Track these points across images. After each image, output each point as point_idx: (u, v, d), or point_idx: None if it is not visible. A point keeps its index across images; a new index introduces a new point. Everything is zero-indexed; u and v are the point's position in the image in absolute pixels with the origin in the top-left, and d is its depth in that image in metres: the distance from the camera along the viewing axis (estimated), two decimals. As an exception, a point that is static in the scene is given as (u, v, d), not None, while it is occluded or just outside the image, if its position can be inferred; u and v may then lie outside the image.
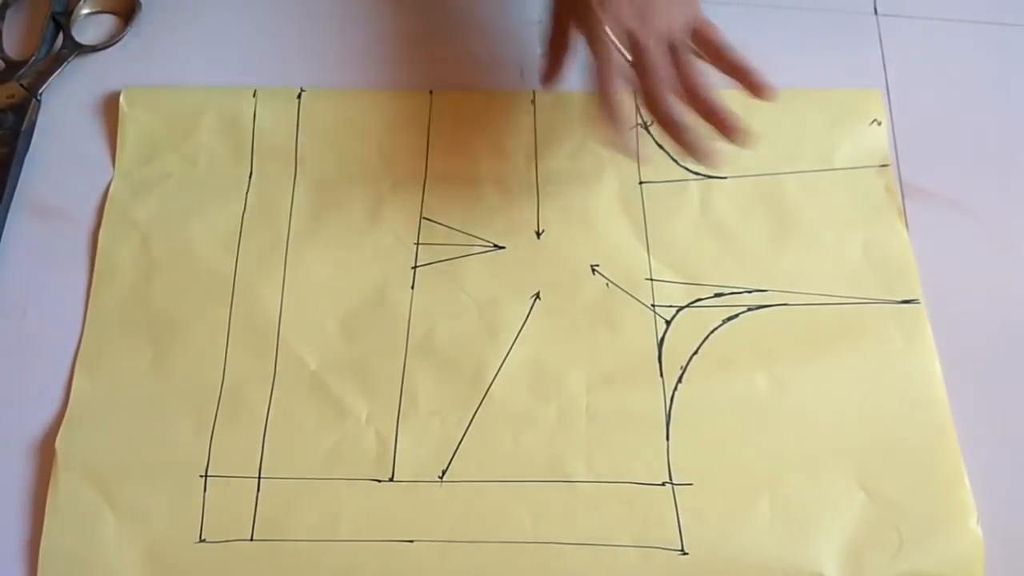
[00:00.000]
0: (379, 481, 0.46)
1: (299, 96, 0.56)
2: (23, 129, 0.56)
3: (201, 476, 0.47)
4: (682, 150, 0.48)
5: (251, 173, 0.55)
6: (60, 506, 0.46)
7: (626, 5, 0.48)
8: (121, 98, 0.56)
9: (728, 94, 0.56)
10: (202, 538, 0.45)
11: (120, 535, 0.45)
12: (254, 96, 0.56)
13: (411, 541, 0.45)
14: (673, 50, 0.49)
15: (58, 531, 0.45)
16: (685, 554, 0.44)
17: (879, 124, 0.56)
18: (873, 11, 0.61)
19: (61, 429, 0.47)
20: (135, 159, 0.55)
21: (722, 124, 0.48)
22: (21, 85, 0.57)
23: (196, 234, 0.53)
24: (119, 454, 0.47)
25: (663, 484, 0.46)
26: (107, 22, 0.61)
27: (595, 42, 0.48)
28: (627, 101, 0.48)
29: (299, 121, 0.56)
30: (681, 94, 0.48)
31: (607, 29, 0.48)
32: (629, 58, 0.48)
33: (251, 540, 0.45)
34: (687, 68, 0.49)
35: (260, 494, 0.46)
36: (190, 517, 0.46)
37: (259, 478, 0.46)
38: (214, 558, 0.45)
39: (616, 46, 0.48)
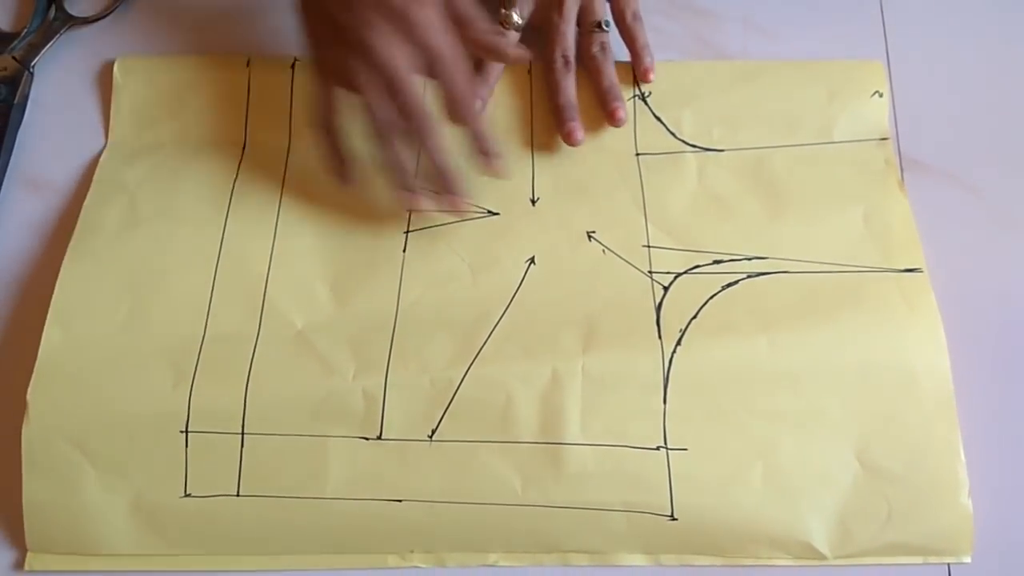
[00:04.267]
0: (367, 439, 0.45)
1: (292, 66, 0.56)
2: (16, 102, 0.56)
3: (181, 432, 0.46)
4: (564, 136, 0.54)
5: (245, 142, 0.54)
6: (36, 459, 0.45)
7: None
8: (115, 68, 0.56)
9: (736, 64, 0.56)
10: (187, 492, 0.45)
11: (102, 489, 0.45)
12: (247, 65, 0.56)
13: (399, 500, 0.44)
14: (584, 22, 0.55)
15: (38, 485, 0.45)
16: (675, 519, 0.44)
17: (880, 96, 0.55)
18: (874, -19, 0.60)
19: (32, 380, 0.46)
20: (129, 128, 0.55)
21: (611, 106, 0.54)
22: (14, 58, 0.57)
23: (185, 195, 0.52)
24: (96, 407, 0.46)
25: (657, 448, 0.45)
26: (100, -6, 0.61)
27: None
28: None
29: (293, 90, 0.55)
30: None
31: None
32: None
33: (237, 496, 0.45)
34: (593, 45, 0.55)
35: (244, 449, 0.45)
36: (173, 471, 0.45)
37: (242, 434, 0.46)
38: (201, 512, 0.45)
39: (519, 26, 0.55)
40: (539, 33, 0.57)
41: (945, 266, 0.50)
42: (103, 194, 0.52)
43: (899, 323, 0.48)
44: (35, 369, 0.47)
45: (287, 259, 0.50)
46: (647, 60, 0.56)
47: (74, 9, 0.59)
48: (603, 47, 0.56)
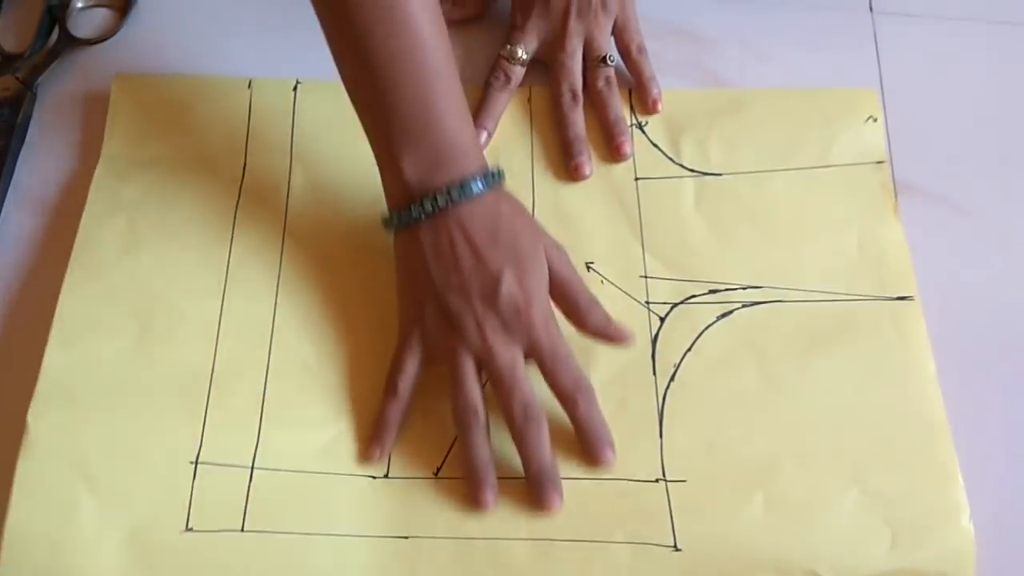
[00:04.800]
0: (374, 478, 0.46)
1: (295, 88, 0.56)
2: (18, 122, 0.56)
3: (191, 462, 0.46)
4: (572, 171, 0.55)
5: (245, 163, 0.54)
6: (30, 485, 0.44)
7: None
8: (113, 84, 0.56)
9: (732, 92, 0.56)
10: (189, 527, 0.44)
11: (99, 520, 0.44)
12: (249, 87, 0.56)
13: (405, 537, 0.45)
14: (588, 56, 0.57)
15: (26, 510, 0.43)
16: (678, 550, 0.44)
17: (875, 121, 0.56)
18: (868, 8, 0.61)
19: (32, 402, 0.46)
20: (124, 144, 0.54)
21: (617, 140, 0.55)
22: (16, 78, 0.57)
23: (186, 217, 0.52)
24: (99, 434, 0.45)
25: (656, 481, 0.46)
26: (102, 16, 0.61)
27: None
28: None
29: (295, 113, 0.55)
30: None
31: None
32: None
33: (242, 531, 0.44)
34: (599, 80, 0.56)
35: (253, 484, 0.45)
36: (177, 504, 0.44)
37: (252, 468, 0.46)
38: (201, 548, 0.44)
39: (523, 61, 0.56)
40: (545, 67, 0.57)
41: (940, 288, 0.51)
42: (100, 212, 0.52)
43: (890, 352, 0.49)
44: (36, 390, 0.46)
45: (293, 291, 0.51)
46: (655, 91, 0.57)
47: (77, 31, 0.59)
48: (608, 81, 0.57)
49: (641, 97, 0.57)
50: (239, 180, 0.54)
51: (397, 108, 0.46)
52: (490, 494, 0.44)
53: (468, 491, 0.45)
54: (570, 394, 0.45)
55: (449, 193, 0.45)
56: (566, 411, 0.46)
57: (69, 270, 0.50)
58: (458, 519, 0.45)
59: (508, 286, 0.45)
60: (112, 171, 0.53)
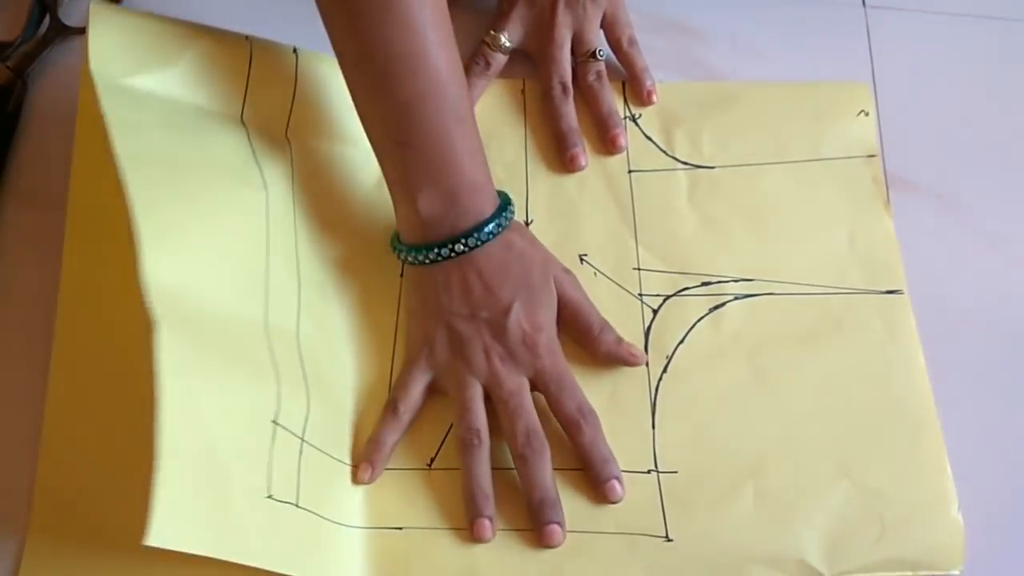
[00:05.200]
0: None
1: (295, 51, 0.53)
2: (9, 111, 0.55)
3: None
4: (566, 163, 0.55)
5: (243, 117, 0.51)
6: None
7: None
8: (89, 12, 0.46)
9: (726, 85, 0.57)
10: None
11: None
12: (247, 38, 0.52)
13: (399, 528, 0.45)
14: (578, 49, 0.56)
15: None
16: (669, 541, 0.45)
17: (866, 115, 0.56)
18: (861, 3, 0.61)
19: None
20: (111, 67, 0.46)
21: (610, 132, 0.55)
22: (7, 67, 0.57)
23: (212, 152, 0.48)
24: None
25: (648, 472, 0.46)
26: (93, 4, 0.60)
27: None
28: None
29: (297, 76, 0.52)
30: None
31: None
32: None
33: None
34: (589, 73, 0.56)
35: None
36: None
37: None
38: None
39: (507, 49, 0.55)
40: (533, 60, 0.57)
41: (930, 283, 0.52)
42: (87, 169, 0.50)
43: (879, 345, 0.50)
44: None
45: (280, 282, 0.48)
46: (648, 83, 0.57)
47: (68, 19, 0.59)
48: (599, 75, 0.57)
49: (635, 89, 0.57)
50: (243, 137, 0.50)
51: (415, 147, 0.46)
52: (488, 528, 0.44)
53: (466, 520, 0.45)
54: (574, 420, 0.46)
55: (466, 242, 0.46)
56: (569, 438, 0.46)
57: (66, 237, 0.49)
58: (452, 510, 0.45)
59: (516, 316, 0.46)
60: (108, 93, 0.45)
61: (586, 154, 0.55)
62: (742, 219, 0.53)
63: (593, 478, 0.46)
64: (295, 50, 0.53)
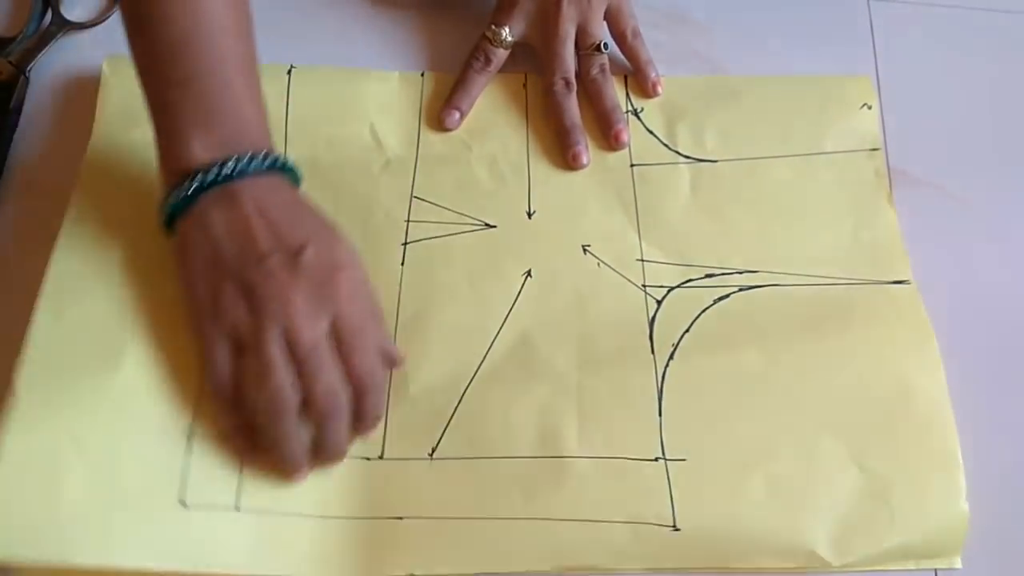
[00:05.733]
0: (368, 459, 0.45)
1: (289, 73, 0.56)
2: (12, 106, 0.55)
3: (187, 437, 0.44)
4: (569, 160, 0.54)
5: None
6: (18, 451, 0.41)
7: None
8: (103, 65, 0.55)
9: (728, 79, 0.57)
10: (183, 501, 0.42)
11: (87, 488, 0.41)
12: None
13: (400, 518, 0.44)
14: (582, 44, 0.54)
15: (13, 477, 0.41)
16: (677, 530, 0.44)
17: (869, 108, 0.56)
18: (865, -4, 0.61)
19: (21, 367, 0.44)
20: (116, 126, 0.53)
21: (613, 128, 0.54)
22: (10, 62, 0.57)
23: None
24: (89, 400, 0.43)
25: (656, 460, 0.46)
26: (95, -1, 0.60)
27: None
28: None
29: (288, 98, 0.55)
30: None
31: None
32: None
33: (237, 510, 0.43)
34: (593, 68, 0.54)
35: (246, 466, 0.44)
36: (170, 479, 0.43)
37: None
38: (196, 525, 0.42)
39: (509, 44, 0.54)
40: (536, 54, 0.57)
41: (934, 276, 0.51)
42: (91, 191, 0.50)
43: (890, 335, 0.49)
44: (24, 358, 0.44)
45: None
46: (652, 74, 0.57)
47: (70, 14, 0.59)
48: (602, 69, 0.56)
49: (640, 81, 0.57)
50: None
51: (192, 85, 0.43)
52: (304, 476, 0.42)
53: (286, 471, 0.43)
54: (357, 382, 0.42)
55: (238, 160, 0.42)
56: (352, 397, 0.43)
57: (60, 237, 0.48)
58: (453, 500, 0.45)
59: (313, 253, 0.42)
60: (104, 152, 0.53)
61: (588, 151, 0.54)
62: (745, 212, 0.53)
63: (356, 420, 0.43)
64: (290, 69, 0.56)
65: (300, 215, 0.44)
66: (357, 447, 0.46)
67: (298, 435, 0.42)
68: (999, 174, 0.55)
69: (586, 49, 0.56)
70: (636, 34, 0.57)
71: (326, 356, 0.42)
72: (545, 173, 0.54)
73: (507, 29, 0.56)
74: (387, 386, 0.45)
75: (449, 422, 0.46)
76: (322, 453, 0.43)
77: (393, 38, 0.59)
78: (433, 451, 0.46)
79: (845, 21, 0.60)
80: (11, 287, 0.51)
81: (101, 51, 0.57)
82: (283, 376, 0.41)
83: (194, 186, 0.43)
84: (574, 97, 0.56)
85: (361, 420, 0.44)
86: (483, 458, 0.46)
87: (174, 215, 0.44)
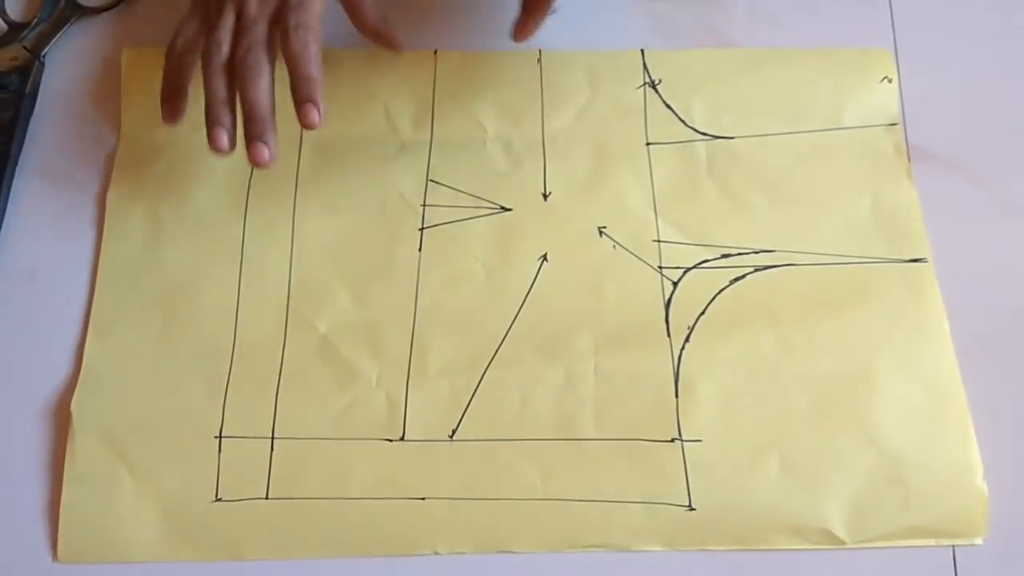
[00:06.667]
0: (390, 441, 0.47)
1: None
2: (27, 91, 0.56)
3: (216, 437, 0.47)
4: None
5: None
6: (78, 468, 0.46)
7: None
8: (122, 59, 0.56)
9: (746, 51, 0.56)
10: (218, 497, 0.46)
11: (137, 495, 0.46)
12: None
13: (422, 499, 0.45)
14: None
15: (77, 494, 0.46)
16: (693, 510, 0.45)
17: (889, 81, 0.56)
18: (883, -31, 0.60)
19: (75, 393, 0.48)
20: (140, 123, 0.55)
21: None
22: (24, 47, 0.57)
23: (203, 199, 0.53)
24: (134, 416, 0.47)
25: (672, 440, 0.46)
26: (109, -17, 0.60)
27: None
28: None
29: None
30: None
31: None
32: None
33: (266, 499, 0.46)
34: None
35: (274, 454, 0.47)
36: (206, 477, 0.46)
37: (272, 438, 0.47)
38: (230, 516, 0.45)
39: None
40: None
41: (951, 254, 0.51)
42: (123, 199, 0.53)
43: (904, 314, 0.49)
44: (79, 382, 0.48)
45: (306, 260, 0.51)
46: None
47: (83, -1, 0.59)
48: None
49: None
50: None
51: None
52: (224, 137, 0.46)
53: (206, 128, 0.46)
54: (284, 30, 0.46)
55: None
56: (281, 46, 0.46)
57: (101, 262, 0.51)
58: (474, 480, 0.46)
59: None
60: (131, 154, 0.54)
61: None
62: (762, 190, 0.53)
63: (293, 95, 0.46)
64: None
65: None
66: (378, 429, 0.47)
67: (219, 85, 0.46)
68: (1019, 150, 0.55)
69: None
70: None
71: (261, 25, 0.47)
72: (561, 153, 0.54)
73: None
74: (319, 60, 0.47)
75: (468, 405, 0.47)
76: (244, 111, 0.46)
77: (404, 16, 0.59)
78: (453, 433, 0.47)
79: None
80: (29, 269, 0.52)
81: (116, 35, 0.58)
82: (223, 33, 0.47)
83: None
84: None
85: (291, 79, 0.46)
86: (502, 440, 0.47)
87: None
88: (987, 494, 0.45)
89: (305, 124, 0.46)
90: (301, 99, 0.46)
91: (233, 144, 0.46)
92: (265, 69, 0.46)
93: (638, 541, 0.45)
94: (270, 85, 0.46)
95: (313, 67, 0.46)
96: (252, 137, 0.46)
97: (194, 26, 0.49)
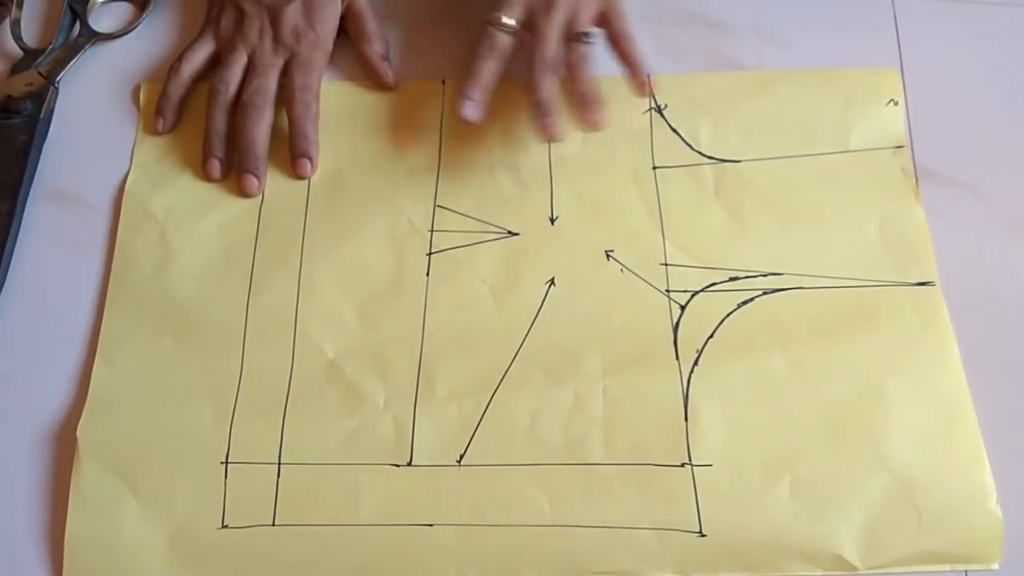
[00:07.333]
0: (397, 466, 0.46)
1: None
2: (42, 116, 0.56)
3: (222, 463, 0.47)
4: (539, 132, 0.52)
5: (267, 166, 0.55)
6: (83, 494, 0.46)
7: None
8: (141, 91, 0.57)
9: (752, 74, 0.56)
10: (224, 523, 0.46)
11: (143, 521, 0.46)
12: None
13: (430, 525, 0.45)
14: (569, 32, 0.53)
15: (82, 518, 0.46)
16: (703, 536, 0.45)
17: (896, 104, 0.56)
18: (889, -9, 0.60)
19: (82, 418, 0.48)
20: (152, 152, 0.56)
21: (586, 109, 0.52)
22: (39, 73, 0.58)
23: (213, 226, 0.53)
24: (140, 442, 0.47)
25: (682, 465, 0.46)
26: (123, 10, 0.61)
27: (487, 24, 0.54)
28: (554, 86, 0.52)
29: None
30: (562, 76, 0.53)
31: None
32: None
33: (273, 525, 0.45)
34: (574, 54, 0.53)
35: (281, 480, 0.46)
36: (212, 503, 0.46)
37: (279, 464, 0.47)
38: (237, 543, 0.45)
39: (509, 27, 0.53)
40: (526, 42, 0.54)
41: (960, 275, 0.51)
42: (133, 225, 0.53)
43: (914, 337, 0.49)
44: (86, 407, 0.48)
45: (314, 285, 0.51)
46: (643, 76, 0.54)
47: (98, 25, 0.60)
48: (584, 57, 0.53)
49: (631, 83, 0.55)
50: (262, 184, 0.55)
51: None
52: (216, 168, 0.54)
53: (200, 159, 0.55)
54: (291, 92, 0.55)
55: None
56: (287, 109, 0.55)
57: (110, 287, 0.51)
58: (482, 506, 0.45)
59: (295, 10, 0.56)
60: (143, 182, 0.55)
61: (560, 126, 0.52)
62: (769, 213, 0.53)
63: (291, 150, 0.54)
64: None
65: None
66: (385, 454, 0.47)
67: (219, 120, 0.55)
68: (1025, 171, 0.55)
69: (572, 36, 0.53)
70: (627, 36, 0.55)
71: (272, 72, 0.55)
72: (568, 176, 0.54)
73: (507, 13, 0.53)
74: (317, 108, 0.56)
75: (476, 430, 0.47)
76: (240, 143, 0.54)
77: (413, 48, 0.59)
78: (461, 457, 0.47)
79: (869, 18, 0.59)
80: (41, 294, 0.52)
81: (129, 61, 0.59)
82: (232, 73, 0.55)
83: None
84: (552, 78, 0.52)
85: (291, 135, 0.55)
86: (510, 465, 0.46)
87: None
88: (1002, 518, 0.45)
89: (298, 175, 0.54)
90: (298, 154, 0.54)
91: (224, 174, 0.54)
92: (267, 112, 0.54)
93: (648, 568, 0.44)
94: (269, 127, 0.55)
95: (311, 128, 0.55)
96: (244, 170, 0.54)
97: (201, 56, 0.57)
